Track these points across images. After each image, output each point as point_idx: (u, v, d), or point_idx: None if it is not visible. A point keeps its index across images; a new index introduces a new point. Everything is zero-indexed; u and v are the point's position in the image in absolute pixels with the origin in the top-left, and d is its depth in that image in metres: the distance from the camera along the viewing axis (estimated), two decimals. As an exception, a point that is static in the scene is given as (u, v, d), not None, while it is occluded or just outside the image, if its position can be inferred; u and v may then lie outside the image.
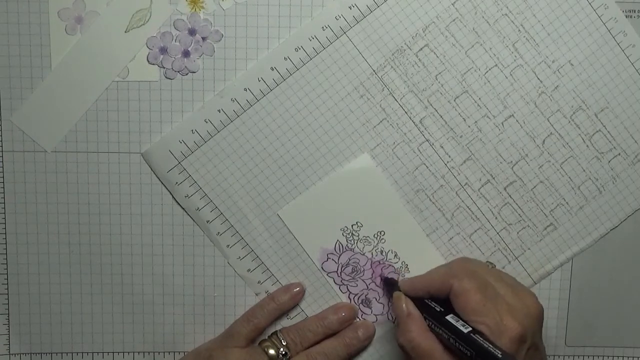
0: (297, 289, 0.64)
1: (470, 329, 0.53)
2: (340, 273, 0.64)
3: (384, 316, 0.64)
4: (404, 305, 0.58)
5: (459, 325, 0.54)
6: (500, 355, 0.51)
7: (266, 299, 0.64)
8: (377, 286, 0.64)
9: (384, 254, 0.63)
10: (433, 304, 0.57)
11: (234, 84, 0.61)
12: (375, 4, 0.60)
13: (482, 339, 0.52)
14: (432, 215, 0.63)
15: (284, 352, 0.61)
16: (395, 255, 0.64)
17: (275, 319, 0.64)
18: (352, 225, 0.63)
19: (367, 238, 0.63)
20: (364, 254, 0.64)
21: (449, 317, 0.55)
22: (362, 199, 0.63)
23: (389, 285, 0.63)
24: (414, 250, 0.64)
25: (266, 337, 0.63)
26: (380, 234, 0.63)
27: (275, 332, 0.63)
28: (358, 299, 0.64)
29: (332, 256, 0.64)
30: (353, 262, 0.64)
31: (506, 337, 0.53)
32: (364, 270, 0.64)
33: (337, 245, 0.63)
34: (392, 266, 0.64)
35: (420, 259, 0.64)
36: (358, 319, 0.64)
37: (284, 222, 0.63)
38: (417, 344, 0.55)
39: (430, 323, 0.56)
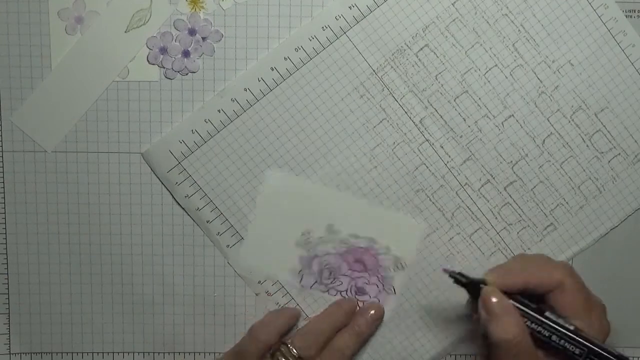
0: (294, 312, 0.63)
1: (573, 326, 0.52)
2: (320, 281, 0.63)
3: (382, 294, 0.64)
4: (500, 300, 0.53)
5: (561, 321, 0.52)
6: (616, 354, 0.50)
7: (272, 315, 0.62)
8: (358, 272, 0.63)
9: (344, 241, 0.63)
10: (526, 301, 0.54)
11: (234, 84, 0.61)
12: (375, 4, 0.60)
13: (591, 337, 0.51)
14: (432, 215, 0.63)
15: None
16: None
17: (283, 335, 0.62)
18: (301, 235, 0.63)
19: (321, 238, 0.63)
20: (328, 253, 0.63)
21: (548, 314, 0.53)
22: (299, 211, 0.62)
23: (461, 280, 0.55)
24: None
25: (275, 350, 0.60)
26: (331, 226, 0.63)
27: (285, 344, 0.60)
28: (351, 292, 0.64)
29: (304, 271, 0.63)
30: (326, 265, 0.63)
31: (603, 338, 0.53)
32: (338, 266, 0.63)
33: (300, 259, 0.63)
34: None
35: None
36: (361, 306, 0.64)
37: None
38: (519, 341, 0.52)
39: (526, 320, 0.53)
